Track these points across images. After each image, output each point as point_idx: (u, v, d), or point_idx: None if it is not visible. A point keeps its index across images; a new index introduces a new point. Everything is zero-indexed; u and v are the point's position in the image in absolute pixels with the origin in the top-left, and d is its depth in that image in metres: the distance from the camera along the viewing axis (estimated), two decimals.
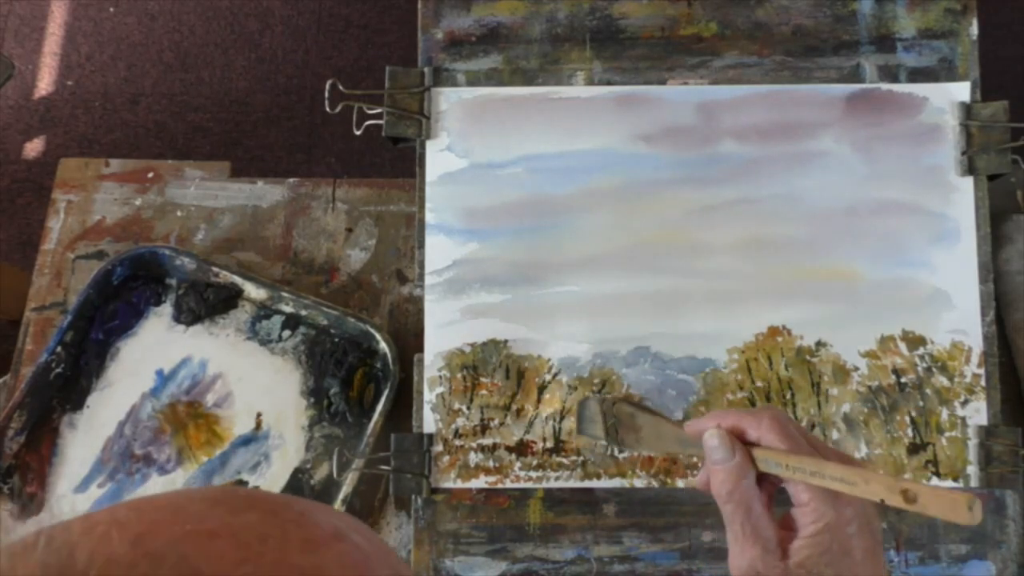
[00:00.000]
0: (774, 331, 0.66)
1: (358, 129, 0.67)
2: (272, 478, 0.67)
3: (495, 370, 0.66)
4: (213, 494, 0.25)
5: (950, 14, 0.69)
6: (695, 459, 0.64)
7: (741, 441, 0.46)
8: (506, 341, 0.66)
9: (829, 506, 0.43)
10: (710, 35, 0.70)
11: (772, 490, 0.47)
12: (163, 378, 0.70)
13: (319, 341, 0.70)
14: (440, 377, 0.66)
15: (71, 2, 1.72)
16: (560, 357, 0.66)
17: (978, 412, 0.64)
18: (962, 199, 0.66)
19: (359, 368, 0.70)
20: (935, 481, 0.64)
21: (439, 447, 0.65)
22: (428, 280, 0.67)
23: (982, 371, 0.65)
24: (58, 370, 0.69)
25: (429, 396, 0.65)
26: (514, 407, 0.65)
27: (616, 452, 0.64)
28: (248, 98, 1.66)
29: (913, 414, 0.64)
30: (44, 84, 1.67)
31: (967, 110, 0.67)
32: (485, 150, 0.68)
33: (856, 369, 0.65)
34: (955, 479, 0.64)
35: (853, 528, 0.43)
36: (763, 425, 0.45)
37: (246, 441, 0.68)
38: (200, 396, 0.70)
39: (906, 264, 0.66)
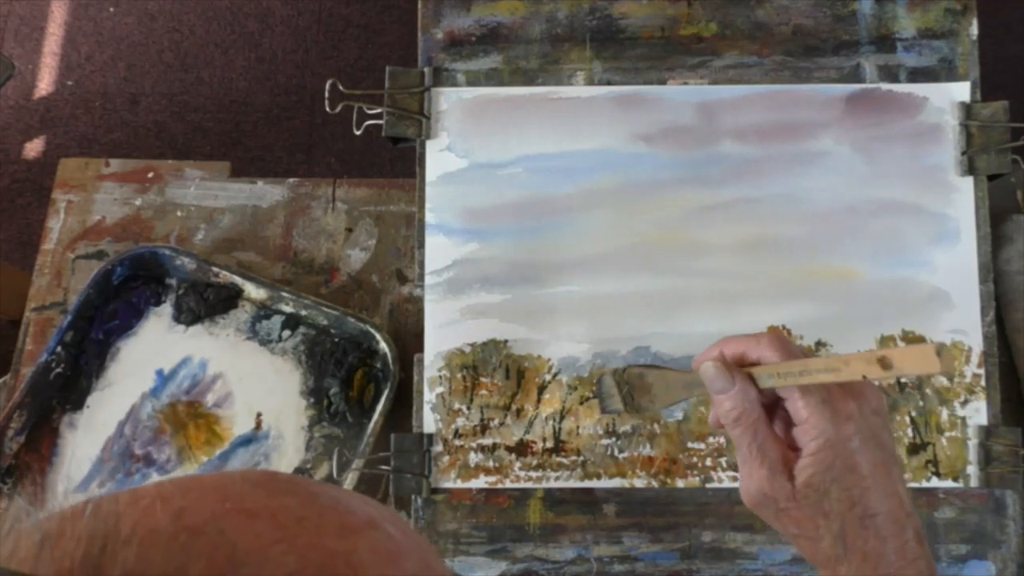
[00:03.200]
0: (774, 331, 0.66)
1: (358, 129, 0.67)
2: None
3: (495, 370, 0.66)
4: (255, 477, 0.26)
5: (950, 14, 0.69)
6: (694, 458, 0.64)
7: (744, 365, 0.46)
8: (506, 341, 0.66)
9: (828, 422, 0.43)
10: (710, 35, 0.70)
11: (786, 416, 0.47)
12: (163, 378, 0.70)
13: (319, 341, 0.70)
14: (440, 377, 0.66)
15: (71, 2, 1.72)
16: (560, 357, 0.66)
17: (978, 412, 0.64)
18: (962, 199, 0.66)
19: (359, 368, 0.70)
20: (935, 481, 0.64)
21: (439, 447, 0.65)
22: (428, 280, 0.67)
23: (982, 371, 0.65)
24: (58, 370, 0.69)
25: (429, 396, 0.65)
26: (514, 407, 0.65)
27: (620, 449, 0.64)
28: (248, 98, 1.66)
29: (913, 414, 0.64)
30: (44, 84, 1.67)
31: (967, 110, 0.67)
32: (485, 150, 0.68)
33: None
34: (955, 479, 0.64)
35: (855, 443, 0.43)
36: (762, 343, 0.46)
37: (246, 441, 0.68)
38: (200, 396, 0.70)
39: (906, 264, 0.66)
